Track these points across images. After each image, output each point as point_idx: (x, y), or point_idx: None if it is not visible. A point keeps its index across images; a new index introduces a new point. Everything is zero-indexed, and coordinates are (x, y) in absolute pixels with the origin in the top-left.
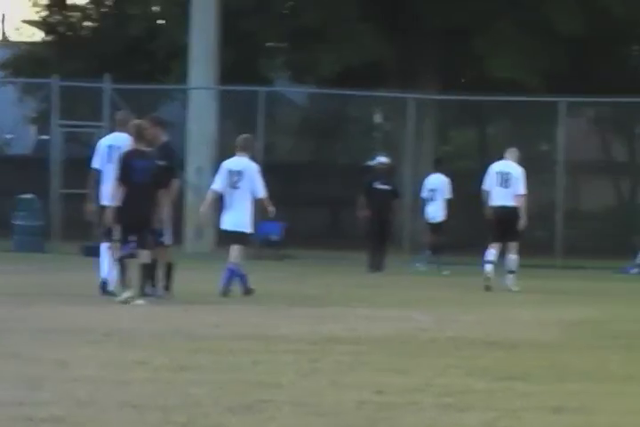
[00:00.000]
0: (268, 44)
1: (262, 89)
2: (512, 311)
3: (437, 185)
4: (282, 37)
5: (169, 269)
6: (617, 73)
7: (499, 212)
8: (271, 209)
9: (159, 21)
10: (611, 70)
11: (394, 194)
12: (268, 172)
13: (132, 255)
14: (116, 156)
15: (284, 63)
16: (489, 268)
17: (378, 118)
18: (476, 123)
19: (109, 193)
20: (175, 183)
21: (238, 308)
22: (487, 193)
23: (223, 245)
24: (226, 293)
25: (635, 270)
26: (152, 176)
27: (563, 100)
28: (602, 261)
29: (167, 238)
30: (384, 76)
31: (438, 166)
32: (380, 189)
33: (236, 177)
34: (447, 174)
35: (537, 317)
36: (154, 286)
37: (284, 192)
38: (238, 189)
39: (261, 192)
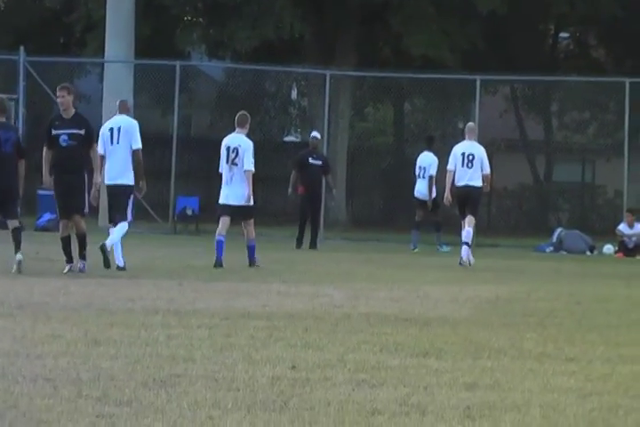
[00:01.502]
0: (184, 18)
1: (178, 63)
2: (427, 288)
3: (427, 163)
4: (199, 12)
5: (82, 238)
6: (534, 51)
7: (463, 191)
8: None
9: None
10: (528, 49)
11: (325, 169)
12: (185, 146)
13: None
14: (117, 137)
15: (200, 38)
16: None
17: (295, 94)
18: (393, 100)
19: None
20: (94, 149)
21: (153, 282)
22: (452, 173)
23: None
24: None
25: (550, 249)
26: (14, 147)
27: (478, 78)
28: (517, 240)
29: (79, 209)
30: (302, 51)
31: (430, 145)
32: (314, 165)
33: (233, 154)
34: (436, 153)
35: (452, 294)
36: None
37: (200, 167)
38: (236, 166)
39: (249, 166)
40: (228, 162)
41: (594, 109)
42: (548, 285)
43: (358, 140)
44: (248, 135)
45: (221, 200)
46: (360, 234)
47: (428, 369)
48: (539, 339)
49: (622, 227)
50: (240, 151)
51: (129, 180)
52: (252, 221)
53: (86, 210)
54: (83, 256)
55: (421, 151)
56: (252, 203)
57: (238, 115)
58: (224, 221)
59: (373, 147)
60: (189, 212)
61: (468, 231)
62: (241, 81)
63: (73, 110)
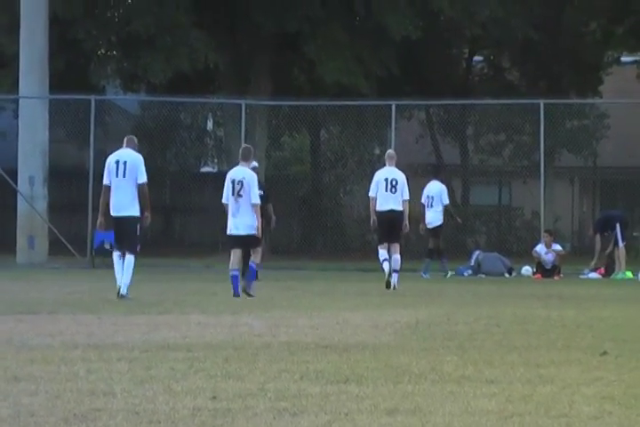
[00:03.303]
0: (98, 52)
1: (93, 97)
2: (346, 315)
3: (435, 192)
4: (112, 45)
5: None
6: (448, 75)
7: (387, 215)
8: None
9: None
10: (443, 73)
11: (266, 199)
12: (102, 180)
13: None
14: (123, 170)
15: (114, 71)
16: (387, 266)
17: (210, 124)
18: (309, 127)
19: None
20: None
21: (72, 317)
22: (374, 199)
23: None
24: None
25: (468, 272)
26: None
27: (393, 104)
28: (436, 263)
29: None
30: (217, 81)
31: (437, 174)
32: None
33: (238, 186)
34: (443, 181)
35: (371, 319)
36: None
37: None
38: (242, 197)
39: (256, 199)
40: (233, 194)
41: (509, 131)
42: (467, 308)
43: (275, 168)
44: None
45: (230, 231)
46: (279, 262)
47: (348, 395)
48: (459, 362)
49: (539, 248)
50: (245, 183)
51: (135, 211)
52: (260, 249)
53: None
54: None
55: (428, 181)
56: (259, 233)
57: (242, 148)
58: (236, 254)
59: (290, 175)
60: (107, 246)
61: (396, 259)
62: (156, 113)
63: None
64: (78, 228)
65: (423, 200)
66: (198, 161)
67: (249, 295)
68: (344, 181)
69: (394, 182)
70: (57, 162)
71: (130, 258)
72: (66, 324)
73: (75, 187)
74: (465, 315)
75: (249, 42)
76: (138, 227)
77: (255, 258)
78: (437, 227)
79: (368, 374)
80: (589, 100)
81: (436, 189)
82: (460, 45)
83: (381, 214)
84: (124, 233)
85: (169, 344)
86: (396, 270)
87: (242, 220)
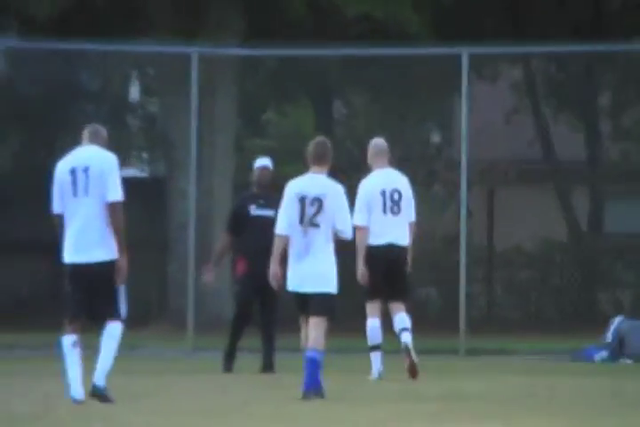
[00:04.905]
0: None
1: None
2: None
3: None
4: None
5: None
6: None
7: (384, 254)
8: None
9: None
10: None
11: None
12: None
13: None
14: (84, 183)
15: None
16: (377, 359)
17: (135, 92)
18: (313, 96)
19: None
20: None
21: None
22: (365, 230)
23: None
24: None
25: (603, 354)
26: None
27: (464, 52)
28: (539, 339)
29: None
30: (149, 17)
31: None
32: (262, 218)
33: (314, 208)
34: None
35: None
36: None
37: None
38: (318, 228)
39: (345, 232)
40: (302, 221)
41: None
42: (608, 422)
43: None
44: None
45: (293, 286)
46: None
47: None
48: None
49: None
50: (326, 204)
51: (107, 253)
52: (325, 319)
53: None
54: None
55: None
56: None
57: (314, 144)
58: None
59: (280, 181)
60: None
61: (401, 317)
62: (37, 70)
63: None
64: None
65: None
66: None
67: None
68: None
69: (395, 196)
70: None
71: (114, 327)
72: None
73: None
74: None
75: None
76: (114, 277)
77: (318, 336)
78: None
79: None
80: None
81: None
82: None
83: (376, 252)
84: (94, 291)
85: None
86: (405, 329)
87: (313, 266)
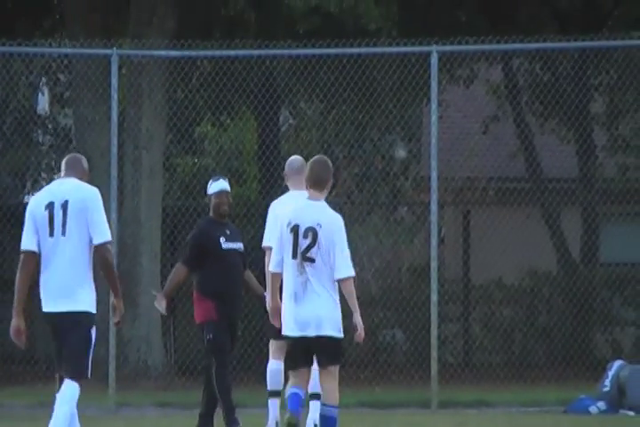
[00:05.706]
0: None
1: None
2: None
3: None
4: None
5: None
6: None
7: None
8: None
9: None
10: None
11: (245, 260)
12: None
13: None
14: (61, 220)
15: None
16: (274, 411)
17: (43, 103)
18: (256, 105)
19: None
20: None
21: None
22: (276, 276)
23: None
24: None
25: (599, 406)
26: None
27: (433, 49)
28: (528, 390)
29: None
30: (60, 12)
31: None
32: (231, 251)
33: (307, 240)
34: None
35: None
36: None
37: None
38: (314, 263)
39: (346, 271)
40: (295, 256)
41: None
42: None
43: (185, 192)
44: None
45: (289, 331)
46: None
47: None
48: None
49: None
50: (321, 236)
51: (85, 303)
52: (337, 367)
53: None
54: None
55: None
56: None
57: (312, 162)
58: (300, 374)
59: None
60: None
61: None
62: None
63: None
64: None
65: None
66: (21, 181)
67: None
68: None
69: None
70: None
71: (70, 388)
72: None
73: None
74: None
75: None
76: (92, 332)
77: (333, 389)
78: None
79: None
80: None
81: None
82: None
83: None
84: (66, 342)
85: None
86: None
87: (312, 308)
